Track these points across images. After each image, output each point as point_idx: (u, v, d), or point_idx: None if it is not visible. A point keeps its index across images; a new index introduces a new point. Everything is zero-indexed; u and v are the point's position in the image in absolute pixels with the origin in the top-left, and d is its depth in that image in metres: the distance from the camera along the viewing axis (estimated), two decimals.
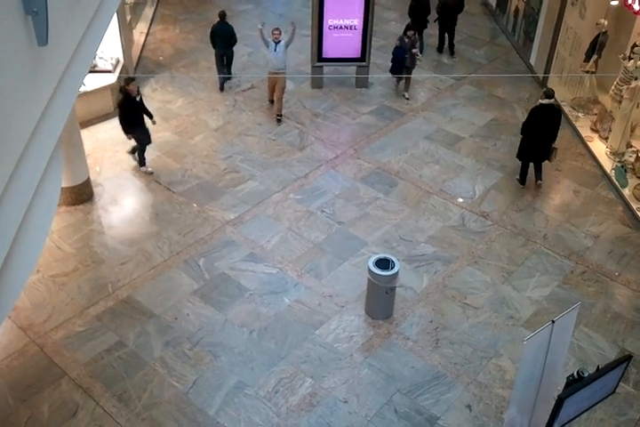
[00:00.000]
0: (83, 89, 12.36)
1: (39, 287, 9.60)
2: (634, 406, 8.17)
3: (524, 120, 11.71)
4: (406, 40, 13.84)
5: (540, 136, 11.29)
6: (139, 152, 12.02)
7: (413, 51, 13.91)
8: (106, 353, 8.72)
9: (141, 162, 12.06)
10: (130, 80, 11.60)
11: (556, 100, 11.91)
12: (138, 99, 11.73)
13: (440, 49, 16.36)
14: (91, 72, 12.57)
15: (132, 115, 11.62)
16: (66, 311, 9.27)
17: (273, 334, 9.07)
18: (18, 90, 5.95)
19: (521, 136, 11.60)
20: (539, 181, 11.75)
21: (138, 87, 11.83)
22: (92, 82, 13.03)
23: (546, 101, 11.13)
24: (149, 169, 12.05)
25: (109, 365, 8.57)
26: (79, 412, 7.98)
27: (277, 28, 13.10)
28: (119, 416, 7.95)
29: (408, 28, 14.02)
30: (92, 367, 8.52)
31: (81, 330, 9.02)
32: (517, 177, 11.91)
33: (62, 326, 9.06)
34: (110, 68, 13.71)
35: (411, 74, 14.28)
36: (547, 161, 11.68)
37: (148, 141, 11.97)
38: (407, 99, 14.28)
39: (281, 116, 13.61)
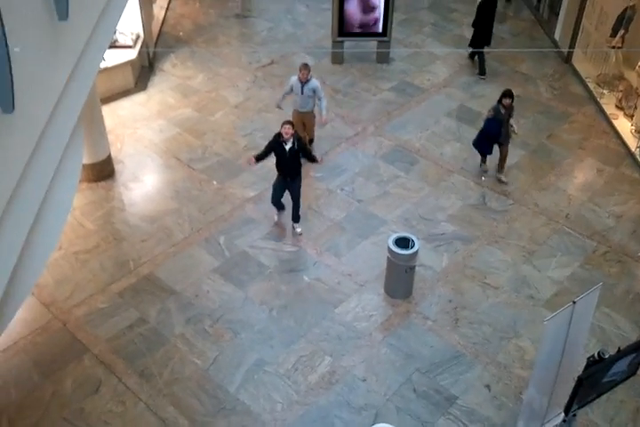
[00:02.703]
0: (103, 65, 12.33)
1: (62, 264, 9.69)
2: None
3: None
4: (503, 111, 10.85)
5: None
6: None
7: (511, 123, 11.06)
8: (128, 330, 8.82)
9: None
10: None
11: None
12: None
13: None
14: (111, 47, 12.52)
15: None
16: (88, 288, 9.37)
17: (292, 312, 9.12)
18: (38, 65, 5.95)
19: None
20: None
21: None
22: (112, 57, 13.00)
23: None
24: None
25: (131, 341, 8.68)
26: (101, 388, 8.11)
27: (306, 65, 10.94)
28: (141, 392, 8.06)
29: (505, 95, 10.83)
30: (114, 344, 8.63)
31: (103, 307, 9.12)
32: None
33: (85, 302, 9.17)
34: (130, 43, 13.66)
35: (507, 151, 11.32)
36: None
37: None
38: (504, 182, 11.33)
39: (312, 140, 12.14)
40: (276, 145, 9.64)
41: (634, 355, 6.73)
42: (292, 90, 11.22)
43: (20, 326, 8.71)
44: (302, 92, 11.08)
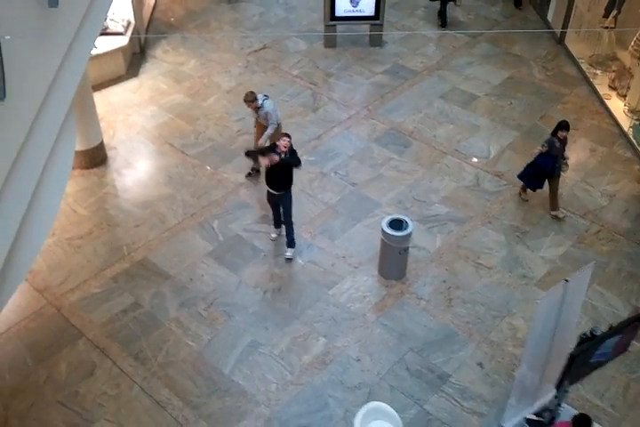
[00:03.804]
0: (94, 52, 12.28)
1: (55, 250, 9.71)
2: None
3: None
4: (557, 145, 9.81)
5: None
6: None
7: (565, 155, 10.07)
8: (122, 314, 8.85)
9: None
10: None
11: None
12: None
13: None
14: (102, 34, 12.48)
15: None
16: (82, 273, 9.39)
17: (287, 295, 9.15)
18: (29, 53, 5.94)
19: None
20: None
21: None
22: (103, 44, 12.96)
23: None
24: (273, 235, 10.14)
25: (125, 325, 8.71)
26: (96, 371, 8.15)
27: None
28: (135, 375, 8.11)
29: (560, 127, 9.76)
30: (109, 328, 8.66)
31: (97, 292, 9.15)
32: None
33: (78, 287, 9.20)
34: (121, 29, 13.60)
35: (558, 184, 10.24)
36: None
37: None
38: (561, 218, 10.26)
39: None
40: (269, 153, 9.05)
41: (625, 332, 6.77)
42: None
43: (14, 311, 8.75)
44: (259, 118, 10.59)
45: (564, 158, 10.04)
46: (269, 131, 10.48)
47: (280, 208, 9.66)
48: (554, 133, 9.83)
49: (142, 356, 8.33)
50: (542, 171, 9.98)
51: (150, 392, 7.92)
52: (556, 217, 10.26)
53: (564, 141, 9.88)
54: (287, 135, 9.14)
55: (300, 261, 9.64)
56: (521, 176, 10.39)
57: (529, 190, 10.51)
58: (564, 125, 9.76)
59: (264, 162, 8.99)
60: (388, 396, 7.84)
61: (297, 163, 9.32)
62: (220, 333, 8.63)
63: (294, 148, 9.23)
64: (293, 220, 9.63)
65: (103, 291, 9.16)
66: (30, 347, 8.40)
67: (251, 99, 10.31)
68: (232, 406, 7.80)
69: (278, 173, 9.17)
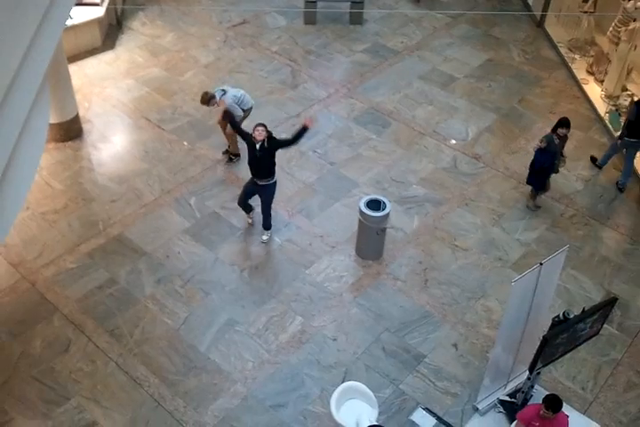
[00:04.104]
0: (69, 22, 12.04)
1: (29, 224, 9.57)
2: (616, 347, 8.35)
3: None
4: (557, 141, 9.69)
5: None
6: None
7: (563, 154, 9.99)
8: (97, 290, 8.78)
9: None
10: None
11: None
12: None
13: None
14: (77, 4, 12.21)
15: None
16: (57, 248, 9.28)
17: (263, 273, 9.15)
18: (1, 21, 5.78)
19: None
20: None
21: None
22: (79, 15, 12.68)
23: None
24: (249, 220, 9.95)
25: (101, 301, 8.65)
26: (71, 347, 8.10)
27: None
28: (111, 352, 8.08)
29: (561, 124, 9.59)
30: (84, 304, 8.60)
31: (72, 267, 9.06)
32: None
33: (53, 262, 9.09)
34: (98, 0, 13.30)
35: (549, 183, 10.24)
36: None
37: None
38: (533, 210, 10.26)
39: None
40: (248, 146, 8.93)
41: (597, 315, 6.89)
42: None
43: None
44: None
45: (562, 156, 9.94)
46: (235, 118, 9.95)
47: (252, 196, 9.41)
48: (554, 130, 9.67)
49: (118, 333, 8.29)
50: (540, 168, 9.82)
51: (126, 369, 7.90)
52: (527, 206, 10.28)
53: (563, 139, 9.73)
54: (261, 124, 8.80)
55: (277, 239, 9.63)
56: (530, 180, 10.13)
57: (530, 192, 10.31)
58: (564, 122, 9.57)
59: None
60: (364, 375, 7.91)
61: (290, 142, 9.02)
62: (197, 310, 8.62)
63: (274, 135, 8.96)
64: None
65: (78, 266, 9.07)
66: (4, 322, 8.31)
67: (205, 100, 10.11)
68: (208, 383, 7.82)
69: (261, 161, 8.93)
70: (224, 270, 9.16)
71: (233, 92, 10.23)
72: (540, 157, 9.77)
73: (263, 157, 8.89)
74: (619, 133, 10.62)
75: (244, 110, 10.34)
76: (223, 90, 10.24)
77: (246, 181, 9.41)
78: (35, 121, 6.87)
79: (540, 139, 9.82)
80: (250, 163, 9.06)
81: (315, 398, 7.72)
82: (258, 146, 8.79)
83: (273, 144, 8.86)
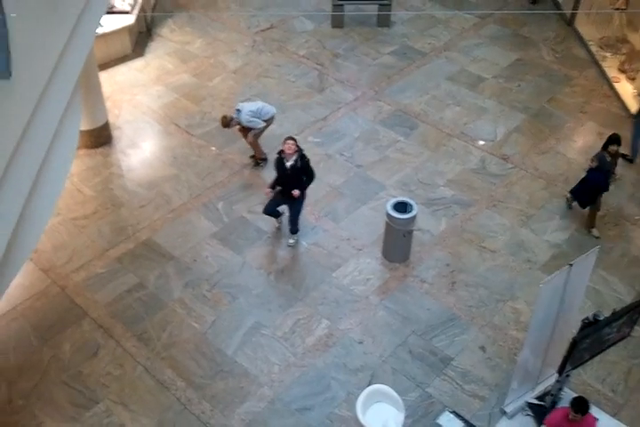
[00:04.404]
0: (100, 30, 12.22)
1: (60, 230, 9.74)
2: None
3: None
4: (609, 159, 9.36)
5: None
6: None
7: (615, 172, 9.67)
8: (126, 294, 8.89)
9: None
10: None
11: None
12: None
13: None
14: (108, 13, 12.42)
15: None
16: (86, 253, 9.42)
17: (290, 277, 9.17)
18: (35, 31, 5.90)
19: None
20: None
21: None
22: (109, 23, 12.88)
23: None
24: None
25: (130, 306, 8.75)
26: (100, 351, 8.21)
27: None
28: (139, 356, 8.16)
29: (611, 141, 9.27)
30: (113, 308, 8.71)
31: (101, 272, 9.18)
32: None
33: (83, 267, 9.23)
34: (128, 8, 13.50)
35: (600, 202, 9.70)
36: None
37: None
38: (597, 237, 9.65)
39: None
40: (277, 162, 9.00)
41: (628, 317, 6.76)
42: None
43: (19, 291, 8.80)
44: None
45: (614, 174, 9.60)
46: (255, 131, 10.52)
47: (280, 206, 9.47)
48: (604, 148, 9.33)
49: (146, 336, 8.38)
50: (595, 187, 9.39)
51: (154, 373, 7.98)
52: (590, 233, 9.71)
53: (615, 156, 9.40)
54: (291, 138, 8.90)
55: (304, 243, 9.65)
56: (572, 191, 9.86)
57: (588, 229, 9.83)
58: (614, 139, 9.27)
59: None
60: (391, 379, 7.88)
61: (309, 177, 9.07)
62: (224, 314, 8.67)
63: (303, 152, 8.97)
64: None
65: (108, 271, 9.19)
66: (35, 326, 8.46)
67: (226, 123, 10.44)
68: (235, 387, 7.86)
69: (291, 178, 8.97)
70: (251, 274, 9.20)
71: (248, 108, 10.36)
72: (593, 177, 9.37)
73: (293, 175, 8.95)
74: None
75: (265, 120, 10.46)
76: (237, 110, 10.40)
77: (274, 193, 9.32)
78: (66, 128, 7.00)
79: (591, 158, 9.49)
80: (279, 180, 9.11)
81: (341, 402, 7.71)
82: (288, 165, 8.83)
83: (304, 165, 8.92)
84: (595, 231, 9.72)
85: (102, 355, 8.16)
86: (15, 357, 8.12)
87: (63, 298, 8.80)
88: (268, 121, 10.55)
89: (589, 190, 9.51)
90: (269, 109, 10.54)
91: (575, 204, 9.97)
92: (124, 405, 7.67)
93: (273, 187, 9.25)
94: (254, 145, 10.77)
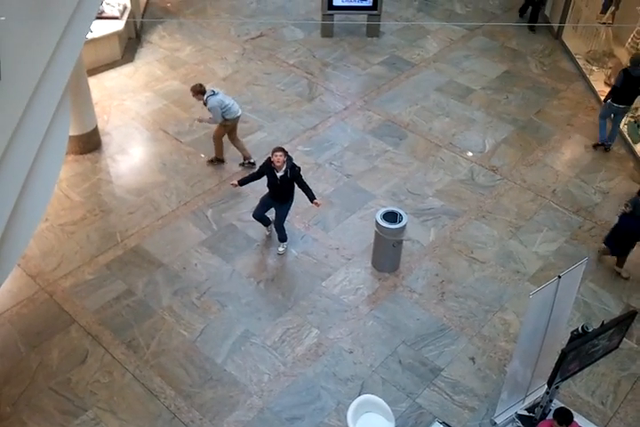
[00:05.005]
0: (90, 36, 12.17)
1: (48, 236, 9.65)
2: (636, 362, 8.26)
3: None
4: None
5: None
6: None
7: None
8: (115, 301, 8.82)
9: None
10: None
11: None
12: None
13: None
14: (97, 18, 12.35)
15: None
16: (75, 260, 9.35)
17: (280, 285, 9.15)
18: (25, 36, 5.87)
19: None
20: None
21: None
22: (99, 28, 12.82)
23: None
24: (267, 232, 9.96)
25: (118, 313, 8.68)
26: (88, 358, 8.13)
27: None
28: (128, 363, 8.09)
29: None
30: (101, 315, 8.63)
31: (90, 278, 9.11)
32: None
33: (71, 274, 9.15)
34: (117, 14, 13.45)
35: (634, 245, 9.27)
36: None
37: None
38: (626, 278, 9.32)
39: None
40: (267, 170, 8.93)
41: (616, 329, 6.81)
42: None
43: (6, 297, 8.70)
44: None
45: None
46: (211, 121, 10.52)
47: (269, 209, 9.49)
48: (639, 193, 9.06)
49: (135, 344, 8.32)
50: (627, 234, 8.93)
51: (143, 381, 7.91)
52: (620, 275, 9.34)
53: None
54: (280, 149, 8.82)
55: (293, 251, 9.63)
56: (606, 241, 9.34)
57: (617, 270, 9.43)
58: None
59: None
60: (381, 389, 7.87)
61: (305, 189, 9.05)
62: (213, 322, 8.63)
63: (293, 160, 8.96)
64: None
65: (96, 278, 9.12)
66: (22, 333, 8.36)
67: (196, 90, 10.27)
68: (224, 395, 7.81)
69: (280, 187, 9.02)
70: (240, 282, 9.17)
71: (221, 97, 10.31)
72: (625, 223, 8.92)
73: (283, 185, 8.97)
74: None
75: (227, 119, 10.43)
76: (213, 91, 10.34)
77: (263, 195, 9.41)
78: (55, 133, 6.96)
79: (624, 203, 9.16)
80: (269, 186, 9.11)
81: (331, 412, 7.68)
82: (279, 175, 8.83)
83: (295, 175, 8.91)
84: (624, 272, 9.33)
85: (91, 362, 8.08)
86: (2, 363, 8.01)
87: (51, 304, 8.71)
88: (231, 121, 10.52)
89: (623, 238, 9.03)
90: (236, 111, 10.52)
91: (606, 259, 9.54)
92: (113, 413, 7.59)
93: (242, 182, 9.26)
94: (216, 141, 10.81)
